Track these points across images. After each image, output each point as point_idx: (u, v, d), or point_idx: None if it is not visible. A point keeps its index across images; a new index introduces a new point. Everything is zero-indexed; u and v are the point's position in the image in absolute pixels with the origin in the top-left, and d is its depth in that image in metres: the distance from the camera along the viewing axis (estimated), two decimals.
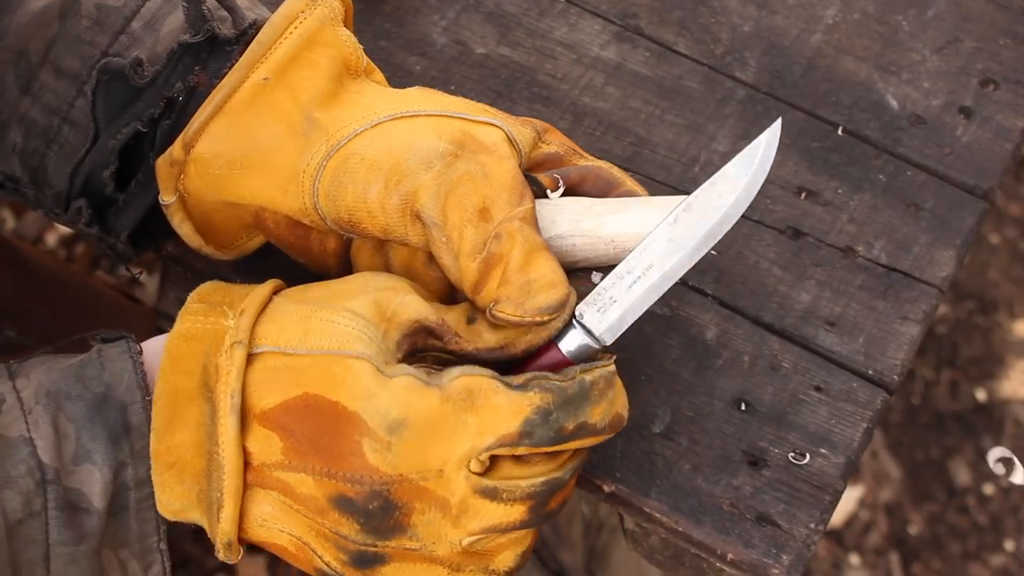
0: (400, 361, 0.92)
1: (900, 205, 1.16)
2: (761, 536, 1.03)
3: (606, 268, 0.96)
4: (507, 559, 0.94)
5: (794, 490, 1.04)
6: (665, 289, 0.95)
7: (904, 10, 1.25)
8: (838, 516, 2.05)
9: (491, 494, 0.90)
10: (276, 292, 0.95)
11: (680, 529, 1.03)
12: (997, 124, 1.21)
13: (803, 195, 1.16)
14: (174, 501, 0.93)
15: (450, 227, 0.93)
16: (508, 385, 0.90)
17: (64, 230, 2.11)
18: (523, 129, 0.98)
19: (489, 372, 0.90)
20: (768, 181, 1.16)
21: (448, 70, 1.20)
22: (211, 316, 0.93)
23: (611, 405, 0.92)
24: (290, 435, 0.90)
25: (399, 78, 1.19)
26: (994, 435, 2.12)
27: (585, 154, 1.00)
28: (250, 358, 0.91)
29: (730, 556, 1.02)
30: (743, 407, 1.07)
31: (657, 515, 1.03)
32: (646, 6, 1.24)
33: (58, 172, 1.03)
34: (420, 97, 0.99)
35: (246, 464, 0.92)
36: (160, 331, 1.38)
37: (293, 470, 0.91)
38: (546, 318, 0.92)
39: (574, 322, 0.94)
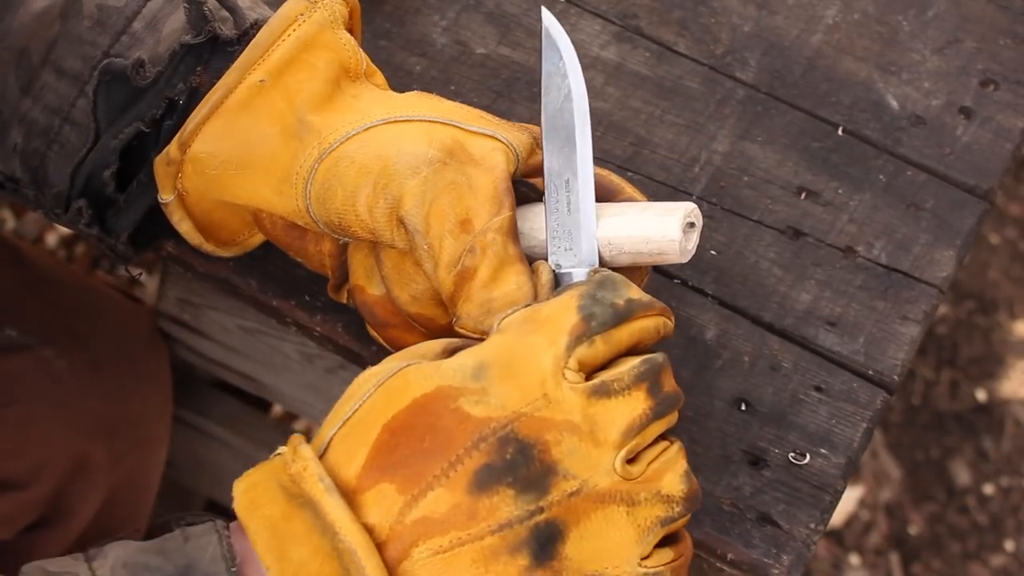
0: None
1: (900, 205, 1.16)
2: (761, 536, 1.03)
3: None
4: (673, 481, 0.89)
5: (794, 490, 1.04)
6: (592, 189, 0.95)
7: (904, 10, 1.25)
8: (838, 516, 2.05)
9: (603, 391, 0.87)
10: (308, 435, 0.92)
11: None
12: (997, 124, 1.21)
13: (803, 195, 1.16)
14: None
15: (432, 236, 0.93)
16: (545, 302, 0.90)
17: (64, 230, 2.11)
18: (520, 135, 0.98)
19: (523, 304, 0.90)
20: (768, 181, 1.16)
21: (448, 70, 1.20)
22: (262, 466, 0.89)
23: (638, 291, 0.91)
24: (396, 470, 0.86)
25: (399, 78, 1.19)
26: (994, 435, 2.12)
27: None
28: (321, 456, 0.88)
29: (730, 556, 1.02)
30: (743, 407, 1.07)
31: None
32: (646, 6, 1.24)
33: (59, 172, 1.03)
34: (416, 102, 0.99)
35: (378, 545, 0.85)
36: (161, 331, 1.39)
37: (421, 497, 0.85)
38: None
39: (559, 273, 0.94)
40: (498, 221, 0.93)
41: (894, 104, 1.21)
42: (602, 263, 0.95)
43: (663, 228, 0.94)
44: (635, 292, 0.90)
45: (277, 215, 1.00)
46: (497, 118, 0.99)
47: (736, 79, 1.21)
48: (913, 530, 2.06)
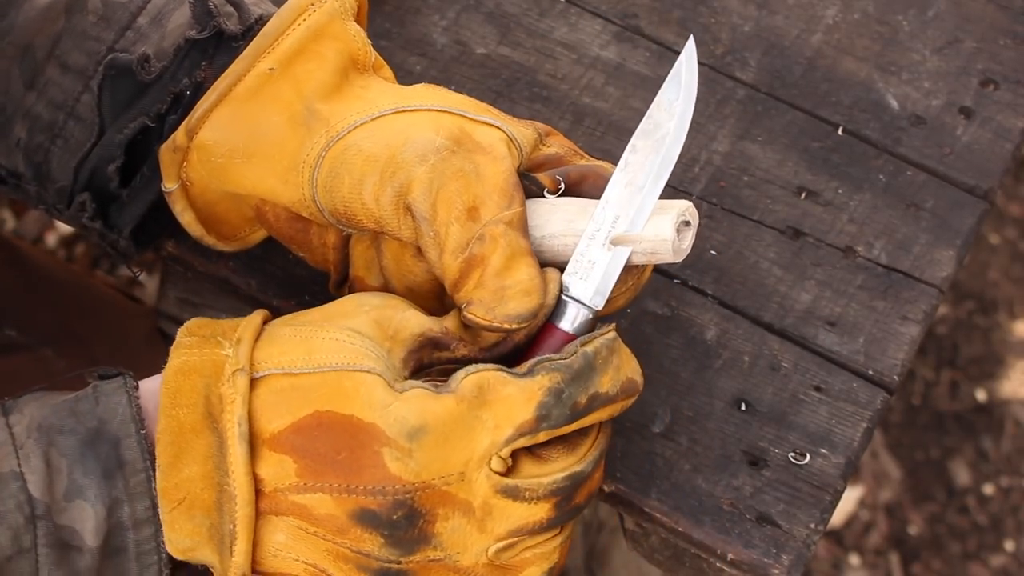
0: (406, 379, 0.92)
1: (900, 205, 1.16)
2: (761, 536, 1.03)
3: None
4: (533, 575, 0.93)
5: (794, 490, 1.04)
6: (637, 235, 0.94)
7: (904, 10, 1.25)
8: (838, 516, 2.05)
9: (513, 493, 0.89)
10: (265, 322, 0.95)
11: (680, 529, 1.03)
12: (997, 124, 1.21)
13: (803, 195, 1.16)
14: (184, 539, 0.91)
15: (438, 223, 0.92)
16: (515, 375, 0.89)
17: (64, 230, 2.11)
18: (525, 130, 0.98)
19: (494, 366, 0.90)
20: (768, 181, 1.16)
21: (448, 70, 1.20)
22: (205, 348, 0.92)
23: (618, 371, 0.91)
24: (304, 455, 0.89)
25: (399, 78, 1.18)
26: (994, 435, 2.12)
27: (586, 156, 1.00)
28: (253, 383, 0.90)
29: (730, 556, 1.02)
30: (743, 407, 1.07)
31: (657, 515, 1.03)
32: (646, 6, 1.24)
33: (62, 167, 1.03)
34: (424, 93, 0.99)
35: (258, 492, 0.90)
36: (161, 332, 1.39)
37: (310, 491, 0.89)
38: (515, 326, 0.92)
39: (564, 297, 0.93)
40: (509, 215, 0.93)
41: (894, 104, 1.21)
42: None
43: (656, 228, 0.93)
44: (608, 381, 0.91)
45: (281, 206, 1.00)
46: (503, 113, 0.99)
47: (736, 79, 1.21)
48: (913, 530, 2.06)
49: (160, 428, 0.90)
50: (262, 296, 1.10)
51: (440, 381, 0.92)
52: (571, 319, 0.93)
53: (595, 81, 1.20)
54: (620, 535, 1.11)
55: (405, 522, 0.89)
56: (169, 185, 1.01)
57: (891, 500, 2.07)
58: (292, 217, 1.01)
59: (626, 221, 0.93)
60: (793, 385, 1.08)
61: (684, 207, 0.93)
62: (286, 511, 0.90)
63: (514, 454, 0.90)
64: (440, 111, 0.97)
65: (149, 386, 0.94)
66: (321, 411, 0.89)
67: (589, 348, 0.91)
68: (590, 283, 0.93)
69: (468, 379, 0.89)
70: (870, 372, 1.09)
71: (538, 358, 0.90)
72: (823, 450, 1.06)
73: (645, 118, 0.96)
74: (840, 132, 1.19)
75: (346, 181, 0.95)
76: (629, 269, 0.96)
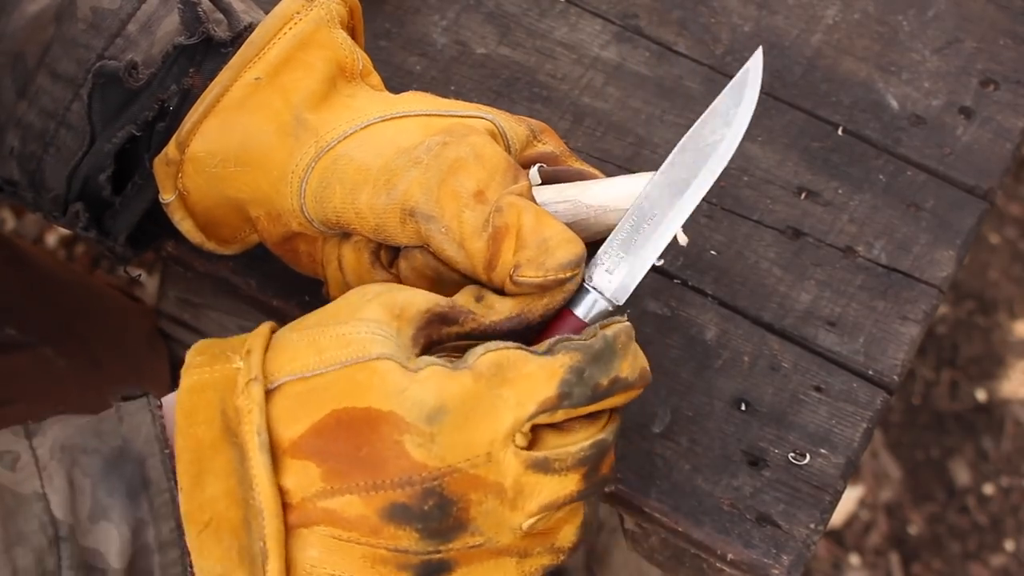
0: (419, 356, 0.90)
1: (900, 205, 1.16)
2: (761, 536, 1.03)
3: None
4: (568, 535, 0.91)
5: (794, 490, 1.04)
6: (669, 239, 0.93)
7: (904, 10, 1.25)
8: (838, 516, 2.05)
9: (543, 466, 0.88)
10: (273, 331, 0.93)
11: (680, 529, 1.03)
12: (997, 124, 1.21)
13: (803, 195, 1.16)
14: (215, 565, 0.88)
15: (448, 217, 0.91)
16: (535, 352, 0.88)
17: (64, 230, 2.11)
18: (517, 126, 0.97)
19: (513, 344, 0.89)
20: (768, 181, 1.16)
21: (448, 70, 1.20)
22: (216, 364, 0.90)
23: (636, 358, 0.90)
24: (327, 458, 0.87)
25: (399, 78, 1.19)
26: (994, 435, 2.12)
27: (579, 160, 1.00)
28: (268, 394, 0.88)
29: (730, 556, 1.02)
30: (743, 407, 1.07)
31: (657, 515, 1.03)
32: (646, 6, 1.24)
33: (55, 176, 1.03)
34: (412, 100, 0.99)
35: (285, 505, 0.87)
36: (161, 332, 1.39)
37: (337, 494, 0.87)
38: (568, 274, 0.90)
39: (585, 286, 0.93)
40: (519, 188, 0.92)
41: (894, 104, 1.21)
42: (591, 228, 0.94)
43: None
44: (627, 367, 0.90)
45: (272, 230, 1.00)
46: (497, 109, 0.98)
47: None
48: (913, 530, 2.06)
49: (178, 448, 0.88)
50: (262, 296, 1.10)
51: (455, 357, 0.90)
52: (587, 308, 0.92)
53: (595, 81, 1.20)
54: (620, 535, 1.11)
55: (438, 511, 0.87)
56: (166, 197, 1.01)
57: (891, 500, 2.07)
58: (282, 238, 1.01)
59: (661, 221, 0.93)
60: (793, 385, 1.08)
61: None
62: (316, 520, 0.88)
63: (534, 429, 0.88)
64: (429, 115, 0.97)
65: (173, 402, 0.92)
66: (338, 409, 0.87)
67: (609, 332, 0.89)
68: (616, 277, 0.93)
69: (486, 356, 0.88)
70: (870, 372, 1.09)
71: (557, 337, 0.89)
72: (823, 450, 1.06)
73: (699, 122, 0.95)
74: (840, 132, 1.19)
75: (338, 191, 0.95)
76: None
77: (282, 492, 0.87)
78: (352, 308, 0.91)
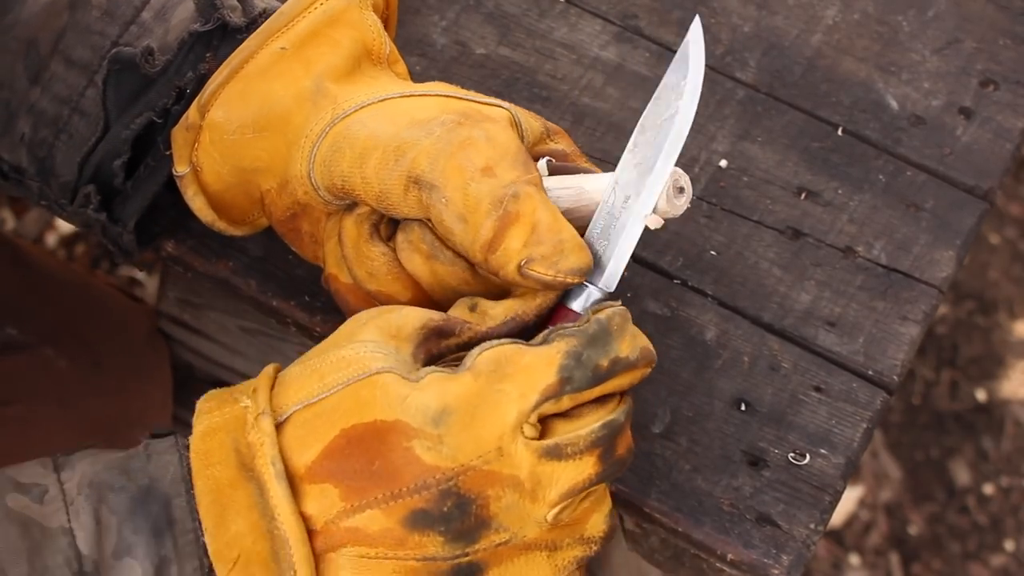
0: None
1: (900, 205, 1.16)
2: (761, 536, 1.03)
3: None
4: (598, 523, 0.92)
5: (794, 490, 1.04)
6: (646, 217, 0.93)
7: (904, 10, 1.25)
8: (838, 516, 2.05)
9: (556, 453, 0.88)
10: (278, 372, 0.94)
11: (680, 529, 1.03)
12: (997, 124, 1.21)
13: (803, 195, 1.16)
14: None
15: (451, 188, 0.91)
16: (530, 345, 0.89)
17: (64, 230, 2.11)
18: (533, 121, 0.98)
19: (507, 340, 0.89)
20: (768, 181, 1.16)
21: (448, 70, 1.20)
22: (224, 407, 0.91)
23: (635, 338, 0.91)
24: (343, 477, 0.88)
25: None
26: (994, 435, 2.13)
27: (590, 163, 1.00)
28: (278, 426, 0.89)
29: (730, 556, 1.02)
30: (743, 407, 1.07)
31: (657, 515, 1.03)
32: (646, 6, 1.24)
33: (66, 162, 1.03)
34: (434, 86, 0.99)
35: (310, 531, 0.88)
36: (161, 332, 1.39)
37: (358, 511, 0.88)
38: (575, 280, 0.91)
39: None
40: (532, 177, 0.92)
41: (894, 104, 1.21)
42: (590, 215, 0.94)
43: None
44: (626, 346, 0.90)
45: (283, 183, 0.99)
46: (514, 105, 0.99)
47: (736, 79, 1.21)
48: (913, 530, 2.06)
49: (198, 491, 0.89)
50: (262, 296, 1.10)
51: (454, 365, 0.91)
52: (583, 300, 0.93)
53: (595, 81, 1.20)
54: (620, 535, 1.11)
55: (458, 512, 0.87)
56: (181, 169, 1.01)
57: (891, 500, 2.07)
58: (287, 203, 1.01)
59: (637, 201, 0.93)
60: (793, 385, 1.08)
61: (675, 174, 0.94)
62: (342, 541, 0.88)
63: (543, 421, 0.89)
64: (448, 96, 0.97)
65: None
66: (347, 428, 0.88)
67: (602, 315, 0.90)
68: (602, 264, 0.93)
69: (483, 355, 0.88)
70: (870, 372, 1.09)
71: (550, 328, 0.90)
72: (823, 450, 1.06)
73: (653, 100, 0.95)
74: (840, 132, 1.20)
75: (347, 155, 0.95)
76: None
77: (305, 519, 0.88)
78: (349, 333, 0.92)
